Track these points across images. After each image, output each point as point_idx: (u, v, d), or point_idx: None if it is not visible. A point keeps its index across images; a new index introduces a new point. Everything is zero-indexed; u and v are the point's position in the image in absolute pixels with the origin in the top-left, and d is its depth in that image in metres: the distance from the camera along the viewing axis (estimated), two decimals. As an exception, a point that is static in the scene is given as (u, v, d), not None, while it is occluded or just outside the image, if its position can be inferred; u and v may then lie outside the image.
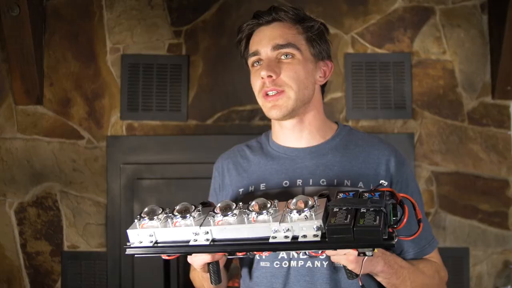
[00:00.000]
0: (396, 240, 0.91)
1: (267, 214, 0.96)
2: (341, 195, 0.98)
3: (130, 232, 1.04)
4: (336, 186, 1.20)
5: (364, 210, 0.91)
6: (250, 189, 1.27)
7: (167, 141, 2.68)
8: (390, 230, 0.92)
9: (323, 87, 1.32)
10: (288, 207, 0.97)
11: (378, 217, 0.89)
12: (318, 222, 0.92)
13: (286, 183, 1.24)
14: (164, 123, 2.72)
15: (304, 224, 0.93)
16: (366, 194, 0.96)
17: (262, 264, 1.22)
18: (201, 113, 2.72)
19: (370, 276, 1.16)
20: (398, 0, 2.71)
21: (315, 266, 1.17)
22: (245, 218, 0.98)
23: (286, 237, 0.94)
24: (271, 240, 0.95)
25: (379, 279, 1.14)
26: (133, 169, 2.66)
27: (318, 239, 0.92)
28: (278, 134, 1.32)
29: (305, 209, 0.94)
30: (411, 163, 2.60)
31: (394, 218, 0.96)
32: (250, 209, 0.99)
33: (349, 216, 0.91)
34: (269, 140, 1.35)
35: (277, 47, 1.22)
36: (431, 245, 1.28)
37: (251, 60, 1.27)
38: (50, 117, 2.73)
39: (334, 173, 1.22)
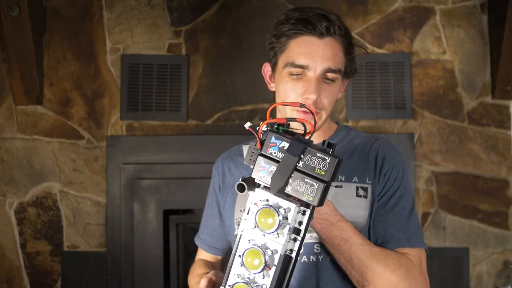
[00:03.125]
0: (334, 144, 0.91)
1: (270, 264, 0.91)
2: (261, 174, 0.92)
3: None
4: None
5: (302, 163, 0.89)
6: None
7: (167, 141, 2.68)
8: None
9: None
10: (264, 233, 0.90)
11: (318, 154, 0.88)
12: (295, 207, 0.89)
13: None
14: (164, 123, 2.72)
15: (290, 221, 0.89)
16: (272, 150, 0.91)
17: None
18: (201, 113, 2.72)
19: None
20: (398, 0, 2.71)
21: (311, 260, 1.18)
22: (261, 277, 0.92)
23: (294, 240, 0.91)
24: (294, 255, 0.91)
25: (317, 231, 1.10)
26: (133, 169, 2.66)
27: (308, 211, 0.90)
28: None
29: (271, 230, 0.89)
30: (411, 163, 2.60)
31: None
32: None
33: (306, 180, 0.89)
34: None
35: (328, 70, 1.18)
36: (410, 241, 1.17)
37: (293, 69, 1.20)
38: (50, 117, 2.73)
39: None
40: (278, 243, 0.90)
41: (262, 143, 0.93)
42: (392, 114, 2.67)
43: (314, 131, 0.95)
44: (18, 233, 2.71)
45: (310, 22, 1.18)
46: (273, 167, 0.91)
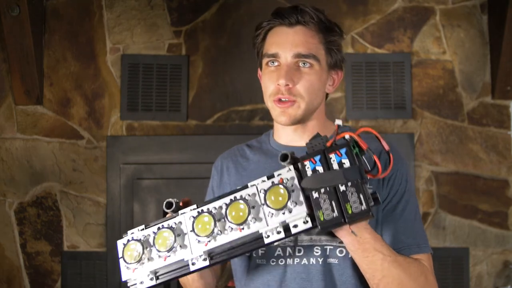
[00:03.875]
0: (380, 198, 0.93)
1: (252, 223, 0.96)
2: (307, 164, 0.95)
3: (125, 276, 1.05)
4: None
5: (344, 188, 0.91)
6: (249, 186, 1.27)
7: (167, 141, 2.68)
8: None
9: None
10: (265, 204, 0.95)
11: (361, 195, 0.90)
12: (304, 212, 0.93)
13: None
14: (164, 123, 2.72)
15: (291, 218, 0.94)
16: (333, 157, 0.93)
17: (258, 261, 1.22)
18: (201, 113, 2.72)
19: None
20: (398, 0, 2.71)
21: (311, 263, 1.18)
22: (230, 231, 0.97)
23: (278, 232, 0.95)
24: (266, 241, 0.96)
25: (345, 243, 1.11)
26: (133, 169, 2.67)
27: (309, 225, 0.93)
28: (279, 133, 1.33)
29: (287, 204, 0.93)
30: (411, 163, 2.60)
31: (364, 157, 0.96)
32: (233, 222, 0.96)
33: (333, 203, 0.91)
34: (270, 139, 1.36)
35: (298, 55, 1.20)
36: (420, 247, 1.19)
37: (267, 59, 1.24)
38: (50, 117, 2.73)
39: None
40: (267, 221, 0.95)
41: (333, 144, 0.95)
42: (392, 114, 2.67)
43: (360, 148, 0.96)
44: (18, 233, 2.71)
45: (280, 14, 1.23)
46: (321, 169, 0.94)
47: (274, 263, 1.20)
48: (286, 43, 1.21)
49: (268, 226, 0.95)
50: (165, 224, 1.03)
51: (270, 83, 1.23)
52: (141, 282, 1.04)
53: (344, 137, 0.95)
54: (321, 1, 2.68)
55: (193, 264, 1.00)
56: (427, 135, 2.68)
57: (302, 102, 1.22)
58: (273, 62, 1.23)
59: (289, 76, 1.19)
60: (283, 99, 1.21)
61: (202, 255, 0.99)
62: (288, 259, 1.19)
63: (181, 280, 1.31)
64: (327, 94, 1.34)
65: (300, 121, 1.24)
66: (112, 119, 2.72)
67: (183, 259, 1.00)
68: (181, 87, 2.71)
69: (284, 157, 0.96)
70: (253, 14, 2.68)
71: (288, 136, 1.30)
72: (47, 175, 2.71)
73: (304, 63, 1.21)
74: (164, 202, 1.05)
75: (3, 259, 2.71)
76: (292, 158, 0.96)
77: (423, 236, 1.21)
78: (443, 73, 2.69)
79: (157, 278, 1.03)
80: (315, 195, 0.92)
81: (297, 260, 1.18)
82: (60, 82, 2.74)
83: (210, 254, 1.00)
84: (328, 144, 0.95)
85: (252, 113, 2.70)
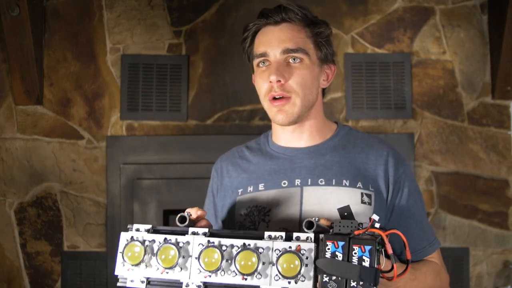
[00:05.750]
0: None
1: (256, 277, 0.96)
2: (329, 245, 0.94)
3: (119, 272, 1.07)
4: (335, 186, 1.21)
5: (354, 285, 0.91)
6: (249, 189, 1.27)
7: (167, 141, 2.68)
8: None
9: (324, 88, 1.33)
10: (276, 266, 0.95)
11: None
12: None
13: (284, 183, 1.24)
14: (164, 123, 2.72)
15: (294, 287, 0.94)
16: (356, 249, 0.93)
17: None
18: (201, 113, 2.72)
19: None
20: (398, 0, 2.71)
21: None
22: (233, 276, 0.97)
23: None
24: None
25: None
26: (133, 169, 2.66)
27: None
28: (278, 135, 1.33)
29: (296, 276, 0.93)
30: (411, 163, 2.60)
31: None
32: (239, 270, 0.97)
33: None
34: (269, 141, 1.36)
35: (287, 51, 1.21)
36: (432, 246, 1.27)
37: (257, 60, 1.25)
38: (50, 117, 2.73)
39: (332, 173, 1.23)
40: (271, 282, 0.95)
41: (361, 236, 0.94)
42: (392, 114, 2.67)
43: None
44: (18, 233, 2.71)
45: (265, 14, 1.25)
46: (340, 257, 0.93)
47: None
48: (273, 41, 1.22)
49: (271, 287, 0.95)
50: (173, 239, 1.02)
51: (263, 82, 1.23)
52: (132, 281, 1.05)
53: (373, 233, 0.95)
54: (322, 1, 2.69)
55: (186, 286, 1.00)
56: (427, 135, 2.68)
57: (296, 98, 1.22)
58: (263, 63, 1.24)
59: (280, 72, 1.20)
60: (277, 96, 1.21)
61: (199, 285, 0.99)
62: None
63: None
64: (323, 92, 1.33)
65: (297, 119, 1.24)
66: (112, 119, 2.72)
67: (179, 281, 1.01)
68: (181, 87, 2.71)
69: (309, 225, 0.96)
70: (253, 14, 2.65)
71: (286, 137, 1.30)
72: (47, 175, 2.71)
73: (294, 59, 1.21)
74: (178, 216, 1.05)
75: (3, 259, 2.71)
76: (318, 229, 0.96)
77: (432, 232, 1.29)
78: (443, 73, 2.69)
79: (148, 283, 1.04)
80: (325, 278, 0.92)
81: None
82: (60, 82, 2.74)
83: (206, 287, 1.00)
84: (356, 232, 0.95)
85: (252, 113, 2.70)
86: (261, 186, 1.26)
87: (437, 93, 2.68)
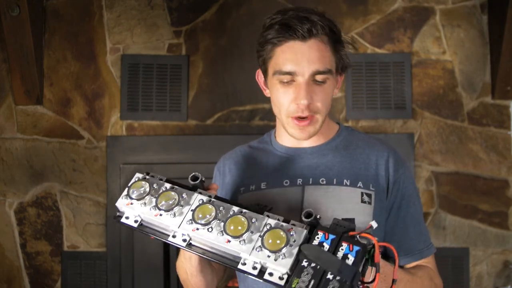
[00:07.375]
0: None
1: (240, 242, 0.97)
2: (320, 235, 0.95)
3: (119, 204, 1.13)
4: (336, 185, 1.21)
5: (330, 277, 0.89)
6: (251, 188, 1.28)
7: (167, 141, 2.68)
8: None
9: None
10: (262, 238, 0.96)
11: None
12: (285, 269, 0.93)
13: (286, 182, 1.25)
14: (164, 123, 2.72)
15: (272, 265, 0.94)
16: (344, 246, 0.93)
17: None
18: (201, 113, 2.72)
19: None
20: (398, 0, 2.71)
21: None
22: (219, 235, 0.99)
23: (254, 268, 0.96)
24: (239, 266, 0.97)
25: None
26: (133, 169, 2.66)
27: (282, 283, 0.93)
28: (282, 135, 1.33)
29: (278, 251, 0.94)
30: (411, 163, 2.60)
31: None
32: (226, 230, 0.98)
33: (312, 281, 0.89)
34: (272, 140, 1.36)
35: (316, 73, 1.18)
36: (429, 249, 1.27)
37: (281, 77, 1.19)
38: (50, 117, 2.73)
39: (333, 173, 1.24)
40: (252, 252, 0.96)
41: (354, 237, 0.94)
42: (392, 114, 2.67)
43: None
44: (18, 233, 2.71)
45: (291, 27, 1.17)
46: (326, 248, 0.93)
47: None
48: (302, 61, 1.17)
49: (250, 256, 0.96)
50: (179, 189, 1.07)
51: (288, 101, 1.20)
52: (127, 218, 1.11)
53: (367, 239, 0.94)
54: (321, 1, 2.69)
55: (173, 236, 1.03)
56: (427, 135, 2.68)
57: (320, 116, 1.22)
58: (288, 81, 1.19)
59: (309, 95, 1.18)
60: (303, 116, 1.20)
61: (184, 234, 1.02)
62: None
63: (180, 275, 1.31)
64: None
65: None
66: (112, 119, 2.72)
67: (169, 227, 1.04)
68: (181, 87, 2.71)
69: (308, 215, 0.97)
70: (253, 14, 2.68)
71: (290, 138, 1.30)
72: (47, 175, 2.71)
73: (321, 79, 1.19)
74: (191, 175, 1.11)
75: (3, 259, 2.71)
76: (314, 220, 0.97)
77: (428, 235, 1.29)
78: (443, 73, 2.69)
79: (140, 225, 1.08)
80: (304, 263, 0.92)
81: None
82: (60, 82, 2.74)
83: (191, 239, 1.03)
84: (350, 233, 0.95)
85: (252, 113, 2.70)
86: (263, 185, 1.26)
87: (437, 93, 2.68)
